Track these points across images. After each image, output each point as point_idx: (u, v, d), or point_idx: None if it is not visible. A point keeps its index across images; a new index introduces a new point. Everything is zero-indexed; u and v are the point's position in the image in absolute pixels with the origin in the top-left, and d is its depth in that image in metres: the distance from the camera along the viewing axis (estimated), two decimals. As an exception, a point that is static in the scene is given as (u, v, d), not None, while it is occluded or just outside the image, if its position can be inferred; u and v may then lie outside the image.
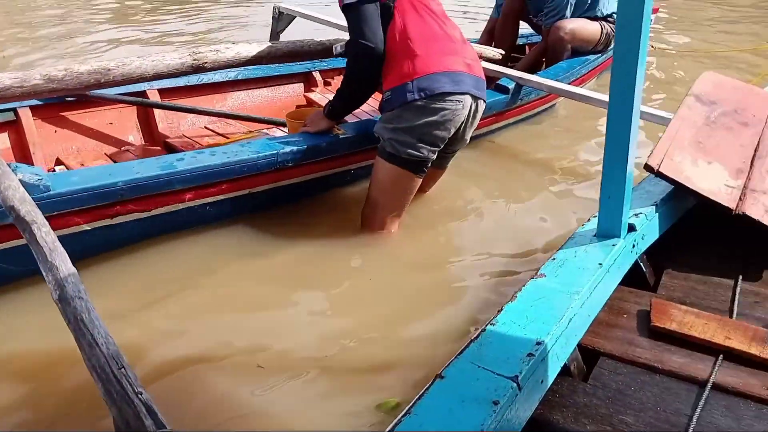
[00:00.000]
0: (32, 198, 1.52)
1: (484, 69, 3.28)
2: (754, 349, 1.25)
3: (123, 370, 1.13)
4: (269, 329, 1.78)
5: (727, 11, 7.19)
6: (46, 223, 1.41)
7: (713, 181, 1.57)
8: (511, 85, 3.08)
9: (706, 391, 1.16)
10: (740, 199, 1.55)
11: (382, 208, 2.21)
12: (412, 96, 2.01)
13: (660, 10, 5.21)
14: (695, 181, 1.56)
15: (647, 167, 1.56)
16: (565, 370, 1.23)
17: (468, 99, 2.09)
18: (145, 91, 2.73)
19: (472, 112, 2.15)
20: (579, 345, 1.28)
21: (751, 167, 1.66)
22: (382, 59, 2.07)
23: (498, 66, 3.29)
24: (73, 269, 1.30)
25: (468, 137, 2.28)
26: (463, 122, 2.13)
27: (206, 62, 2.22)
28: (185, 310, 1.85)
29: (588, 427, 1.11)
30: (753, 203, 1.54)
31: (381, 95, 2.16)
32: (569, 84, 3.21)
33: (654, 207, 1.55)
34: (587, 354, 1.30)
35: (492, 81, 3.21)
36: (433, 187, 2.54)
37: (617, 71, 1.28)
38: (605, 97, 1.99)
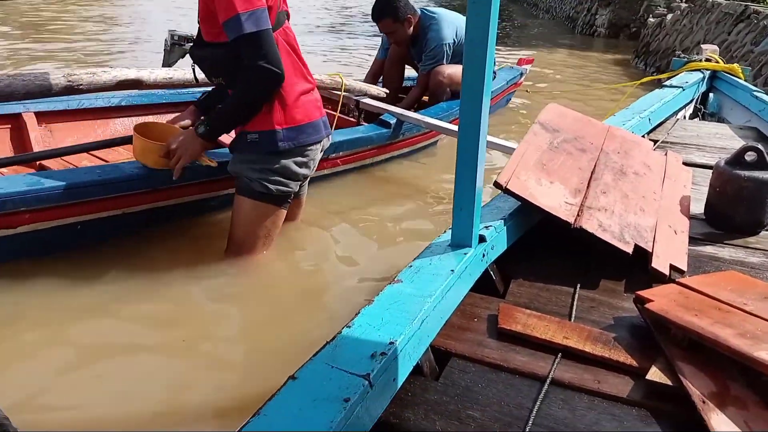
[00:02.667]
0: None
1: (369, 105, 3.37)
2: (588, 347, 1.32)
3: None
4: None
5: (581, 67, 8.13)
6: None
7: (554, 199, 1.68)
8: (393, 121, 3.17)
9: (545, 386, 1.20)
10: (578, 214, 1.66)
11: (251, 246, 2.15)
12: (283, 145, 2.02)
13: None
14: (539, 198, 1.65)
15: (497, 184, 1.63)
16: (418, 370, 1.23)
17: (324, 141, 2.19)
18: (20, 113, 2.54)
19: (325, 147, 2.27)
20: (432, 346, 1.30)
21: (587, 187, 1.79)
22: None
23: (381, 103, 3.38)
24: None
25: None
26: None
27: (81, 84, 2.09)
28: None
29: (437, 423, 1.12)
30: (589, 218, 1.66)
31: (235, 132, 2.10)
32: (449, 122, 3.34)
33: (503, 221, 1.62)
34: (440, 355, 1.31)
35: (376, 116, 3.30)
36: (312, 211, 2.56)
37: (466, 97, 1.32)
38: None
